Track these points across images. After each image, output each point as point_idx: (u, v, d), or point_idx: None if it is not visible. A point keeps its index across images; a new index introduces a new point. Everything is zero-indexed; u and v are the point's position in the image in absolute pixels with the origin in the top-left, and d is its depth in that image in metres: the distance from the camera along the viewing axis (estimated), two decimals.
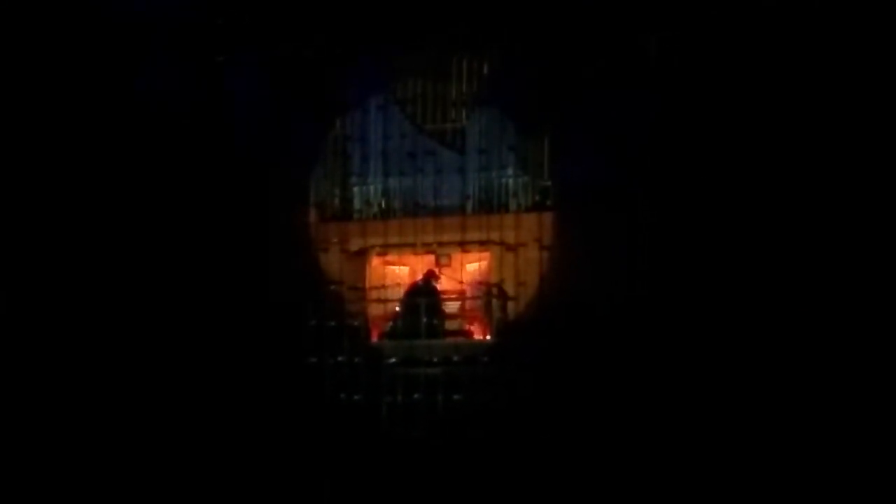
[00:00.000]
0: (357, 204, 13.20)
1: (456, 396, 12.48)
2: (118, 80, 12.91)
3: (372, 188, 13.13)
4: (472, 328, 12.94)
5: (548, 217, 12.75)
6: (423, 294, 12.92)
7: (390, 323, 12.97)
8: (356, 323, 12.89)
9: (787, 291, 11.52)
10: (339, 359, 12.65)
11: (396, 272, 13.11)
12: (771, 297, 11.53)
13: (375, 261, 13.13)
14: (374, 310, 13.03)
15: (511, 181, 12.92)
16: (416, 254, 13.06)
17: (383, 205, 13.10)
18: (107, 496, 12.36)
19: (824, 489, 11.22)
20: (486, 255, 12.95)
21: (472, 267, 13.05)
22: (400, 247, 13.08)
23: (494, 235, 12.83)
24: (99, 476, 12.39)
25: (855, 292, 11.35)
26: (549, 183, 12.86)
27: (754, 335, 11.53)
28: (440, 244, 12.98)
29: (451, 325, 12.92)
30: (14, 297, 12.69)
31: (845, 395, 11.29)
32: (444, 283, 12.99)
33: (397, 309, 12.97)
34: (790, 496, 11.34)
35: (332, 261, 13.03)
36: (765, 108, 11.66)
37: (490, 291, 12.91)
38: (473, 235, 12.89)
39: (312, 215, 13.20)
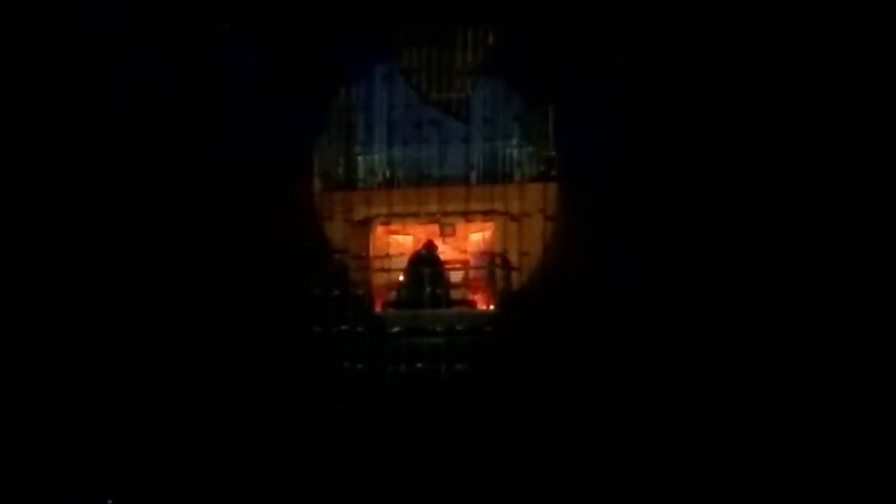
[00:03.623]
0: (361, 173, 13.20)
1: (459, 366, 12.52)
2: (121, 54, 12.88)
3: (376, 157, 13.13)
4: (476, 298, 12.96)
5: (552, 188, 12.76)
6: (427, 263, 12.95)
7: (394, 292, 13.00)
8: (360, 292, 12.92)
9: (789, 268, 11.55)
10: (343, 328, 12.69)
11: (400, 241, 13.13)
12: (772, 275, 11.55)
13: (379, 230, 13.14)
14: (378, 279, 13.06)
15: (515, 151, 12.92)
16: (419, 223, 13.08)
17: (387, 174, 13.10)
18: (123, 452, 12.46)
19: (814, 474, 11.30)
20: (490, 225, 12.97)
21: (476, 237, 13.07)
22: (404, 216, 13.09)
23: (498, 206, 12.86)
24: (110, 435, 12.48)
25: (856, 273, 11.38)
26: (553, 153, 12.86)
27: (754, 309, 11.55)
28: (444, 214, 12.99)
29: (454, 294, 12.94)
30: (12, 297, 12.69)
31: (841, 377, 11.34)
32: (447, 253, 13.02)
33: (401, 278, 13.00)
34: (781, 476, 11.42)
35: (336, 230, 13.05)
36: (771, 81, 11.66)
37: (493, 261, 12.93)
38: (477, 205, 12.91)
39: (317, 184, 13.20)
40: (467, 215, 12.96)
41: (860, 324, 11.32)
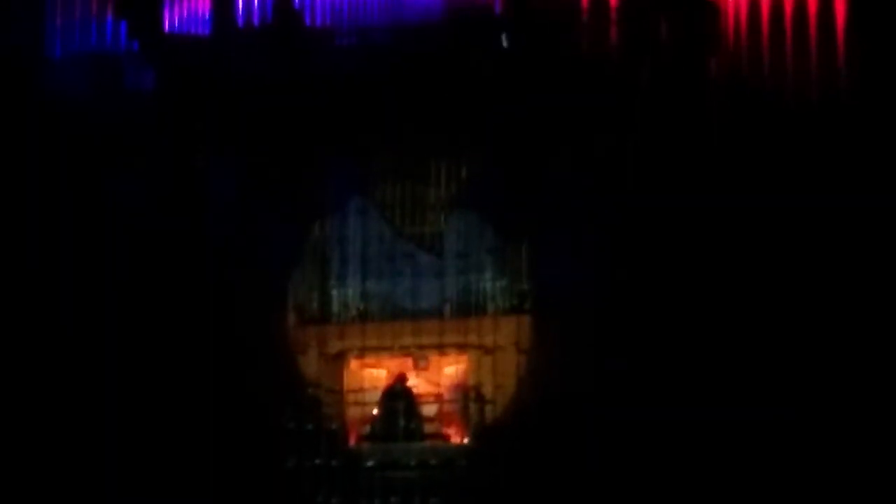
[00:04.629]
0: (335, 307, 13.23)
1: (433, 500, 12.46)
2: (93, 186, 12.98)
3: (350, 291, 13.17)
4: (450, 431, 12.93)
5: (525, 320, 12.81)
6: (400, 397, 12.94)
7: (368, 426, 12.97)
8: (334, 426, 12.88)
9: (773, 404, 11.63)
10: (317, 461, 12.64)
11: (374, 375, 13.12)
12: (755, 408, 11.62)
13: (353, 364, 13.14)
14: (352, 413, 13.02)
15: (489, 285, 12.99)
16: (393, 357, 13.08)
17: (362, 308, 13.13)
18: None
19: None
20: (464, 358, 12.99)
21: (450, 370, 13.07)
22: (378, 350, 13.10)
23: (472, 339, 12.88)
24: None
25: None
26: (527, 287, 12.94)
27: (735, 446, 11.60)
28: (418, 347, 13.02)
29: (428, 427, 12.91)
30: None
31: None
32: (421, 386, 13.02)
33: (375, 412, 12.98)
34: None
35: (310, 363, 13.04)
36: (738, 210, 11.84)
37: (467, 395, 12.93)
38: (451, 338, 12.95)
39: (291, 318, 13.23)
40: (441, 348, 12.98)
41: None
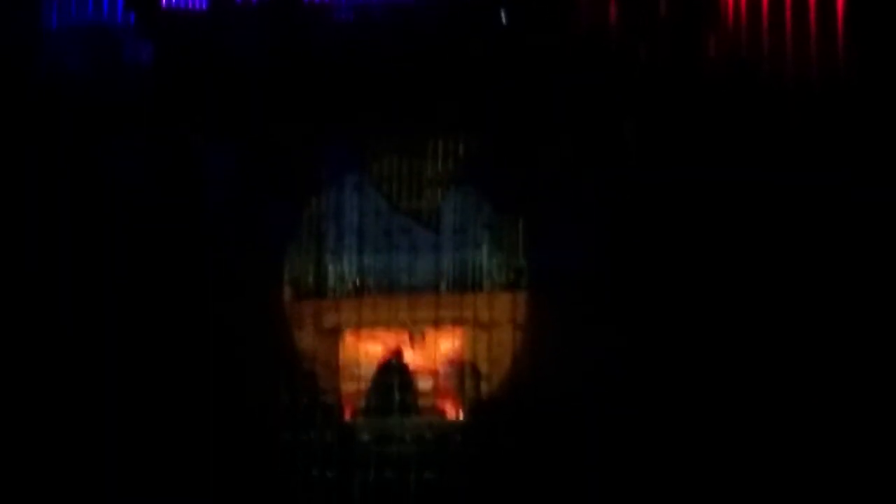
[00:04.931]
0: (331, 282, 13.24)
1: (428, 474, 12.47)
2: (89, 160, 12.95)
3: (346, 266, 13.18)
4: (445, 406, 12.95)
5: (522, 296, 12.84)
6: (395, 372, 12.95)
7: (363, 400, 12.98)
8: (329, 400, 12.89)
9: (771, 385, 11.64)
10: (312, 436, 12.64)
11: (370, 350, 13.13)
12: (751, 387, 11.62)
13: (349, 338, 13.13)
14: (348, 387, 13.02)
15: (485, 260, 13.01)
16: (389, 331, 13.09)
17: (358, 282, 13.14)
18: None
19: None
20: (460, 333, 13.00)
21: (445, 345, 13.09)
22: (373, 324, 13.11)
23: (468, 314, 12.90)
24: None
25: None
26: (523, 263, 12.96)
27: (732, 418, 11.60)
28: (414, 322, 13.03)
29: (423, 402, 12.93)
30: None
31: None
32: (417, 361, 13.03)
33: (370, 386, 12.99)
34: None
35: (305, 338, 13.05)
36: (743, 192, 11.85)
37: (463, 370, 12.95)
38: (447, 314, 12.95)
39: (287, 292, 13.23)
40: (437, 323, 13.00)
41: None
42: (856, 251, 11.58)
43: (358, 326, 13.10)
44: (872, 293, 11.53)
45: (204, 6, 13.57)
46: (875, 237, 11.62)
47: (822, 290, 11.65)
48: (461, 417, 12.85)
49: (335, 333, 13.11)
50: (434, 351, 13.08)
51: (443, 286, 13.01)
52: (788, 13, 12.24)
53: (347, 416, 12.92)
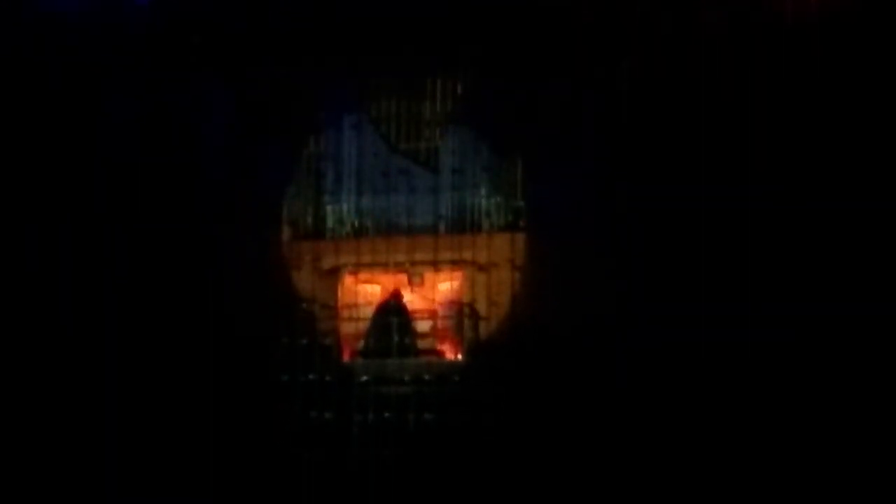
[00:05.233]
0: (330, 222, 13.21)
1: (427, 415, 12.50)
2: (84, 104, 12.90)
3: (345, 207, 13.15)
4: (444, 347, 12.97)
5: (520, 238, 12.81)
6: (394, 313, 12.95)
7: (362, 341, 12.99)
8: (328, 341, 12.90)
9: (765, 318, 11.59)
10: (311, 377, 12.66)
11: (369, 291, 13.13)
12: (748, 321, 11.59)
13: (348, 279, 13.14)
14: (346, 328, 13.04)
15: (484, 201, 12.98)
16: (388, 273, 13.09)
17: (356, 223, 13.12)
18: None
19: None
20: (459, 274, 13.00)
21: (444, 286, 13.09)
22: (372, 266, 13.10)
23: (467, 255, 12.88)
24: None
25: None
26: (522, 203, 12.92)
27: (726, 354, 11.58)
28: (412, 263, 13.01)
29: (422, 344, 12.95)
30: None
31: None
32: (415, 302, 13.03)
33: (368, 327, 13.00)
34: None
35: (304, 279, 13.05)
36: (741, 130, 11.76)
37: (461, 311, 12.96)
38: (446, 255, 12.92)
39: (286, 233, 13.21)
40: (436, 265, 12.98)
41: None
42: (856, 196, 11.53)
43: (357, 268, 13.10)
44: None
45: None
46: None
47: (828, 225, 11.60)
48: (460, 358, 12.86)
49: (334, 275, 13.11)
50: (433, 292, 13.09)
51: (441, 227, 12.99)
52: None
53: (346, 358, 12.94)
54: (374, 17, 12.71)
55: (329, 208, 13.20)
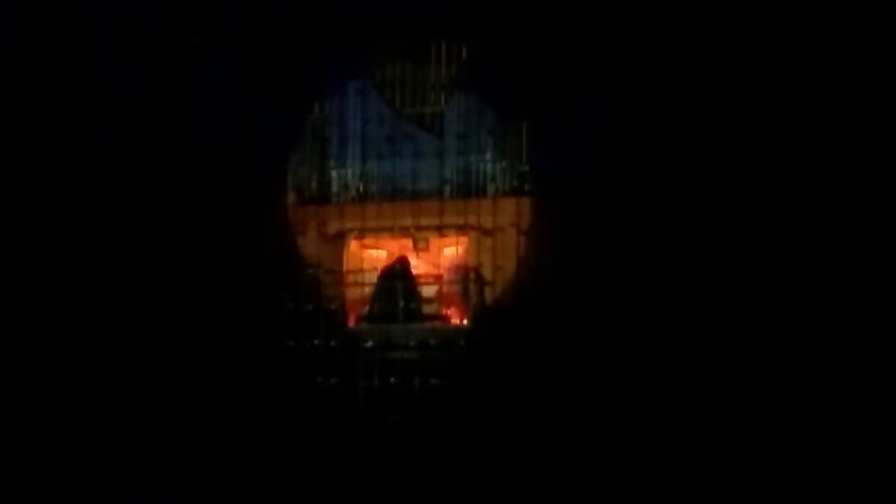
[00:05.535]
0: (335, 187, 13.21)
1: (432, 380, 12.50)
2: (88, 69, 12.85)
3: (350, 172, 13.15)
4: (450, 312, 12.97)
5: (525, 202, 12.78)
6: (399, 278, 12.95)
7: (367, 307, 12.98)
8: (333, 307, 12.90)
9: (767, 290, 11.55)
10: (316, 342, 12.67)
11: (374, 256, 13.14)
12: (749, 291, 11.55)
13: (353, 244, 13.17)
14: (352, 293, 13.06)
15: (489, 166, 12.96)
16: (393, 237, 13.10)
17: (361, 188, 13.12)
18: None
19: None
20: (464, 239, 13.01)
21: (449, 251, 13.10)
22: (377, 231, 13.12)
23: (472, 220, 12.89)
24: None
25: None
26: (527, 168, 12.89)
27: (730, 325, 11.54)
28: (418, 228, 13.02)
29: (428, 309, 12.96)
30: None
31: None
32: (421, 267, 13.03)
33: (374, 292, 12.99)
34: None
35: (309, 244, 13.04)
36: (751, 95, 11.70)
37: (467, 276, 12.95)
38: (451, 220, 12.94)
39: (291, 198, 13.20)
40: (441, 230, 12.98)
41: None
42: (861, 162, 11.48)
43: (362, 232, 13.12)
44: None
45: None
46: None
47: (832, 198, 11.55)
48: (465, 323, 12.85)
49: (339, 240, 13.12)
50: (438, 257, 13.11)
51: (447, 192, 12.97)
52: None
53: (352, 323, 12.96)
54: None
55: (334, 173, 13.22)
